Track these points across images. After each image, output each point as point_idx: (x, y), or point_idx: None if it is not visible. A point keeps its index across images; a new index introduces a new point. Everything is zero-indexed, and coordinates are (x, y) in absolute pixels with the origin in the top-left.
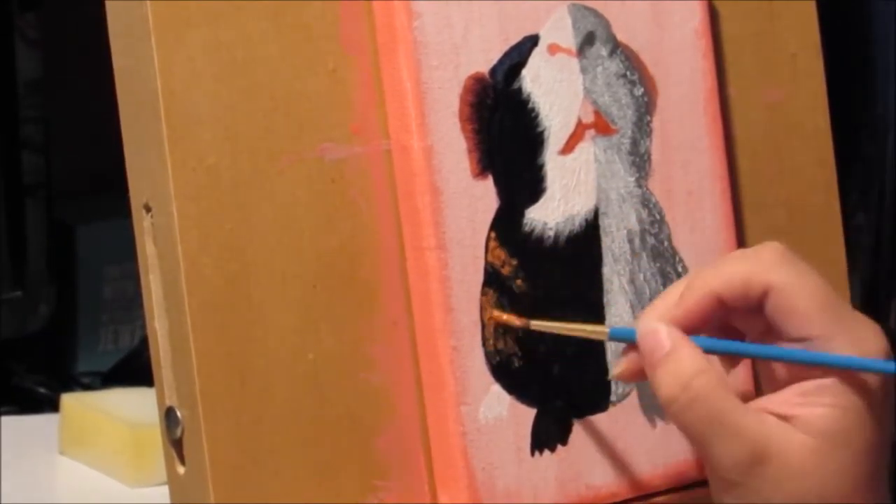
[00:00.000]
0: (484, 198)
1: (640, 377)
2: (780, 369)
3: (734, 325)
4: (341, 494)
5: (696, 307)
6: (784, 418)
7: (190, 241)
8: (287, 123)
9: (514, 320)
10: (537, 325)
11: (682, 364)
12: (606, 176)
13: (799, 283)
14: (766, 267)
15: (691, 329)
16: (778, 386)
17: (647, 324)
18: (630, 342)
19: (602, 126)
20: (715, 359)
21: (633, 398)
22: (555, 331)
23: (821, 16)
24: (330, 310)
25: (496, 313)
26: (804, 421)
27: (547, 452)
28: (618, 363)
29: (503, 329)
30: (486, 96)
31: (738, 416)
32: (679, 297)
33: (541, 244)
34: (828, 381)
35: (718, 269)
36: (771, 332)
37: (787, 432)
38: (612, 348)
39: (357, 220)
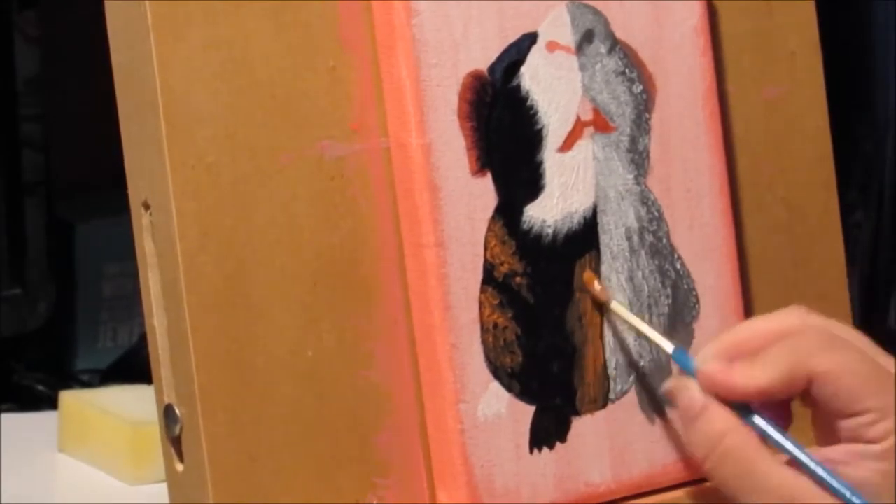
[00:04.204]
0: (483, 195)
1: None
2: (836, 427)
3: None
4: (340, 492)
5: (745, 398)
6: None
7: (189, 238)
8: (286, 121)
9: (601, 294)
10: (617, 307)
11: (714, 423)
12: (605, 173)
13: (840, 365)
14: (806, 354)
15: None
16: (832, 439)
17: (692, 387)
18: (685, 370)
19: (601, 123)
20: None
21: (632, 396)
22: (627, 320)
23: (820, 13)
24: (329, 307)
25: (588, 276)
26: (848, 479)
27: (546, 450)
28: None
29: (502, 326)
30: (485, 94)
31: (769, 473)
32: (728, 388)
33: (539, 241)
34: (877, 448)
35: (761, 364)
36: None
37: (816, 491)
38: (610, 345)
39: (356, 218)
